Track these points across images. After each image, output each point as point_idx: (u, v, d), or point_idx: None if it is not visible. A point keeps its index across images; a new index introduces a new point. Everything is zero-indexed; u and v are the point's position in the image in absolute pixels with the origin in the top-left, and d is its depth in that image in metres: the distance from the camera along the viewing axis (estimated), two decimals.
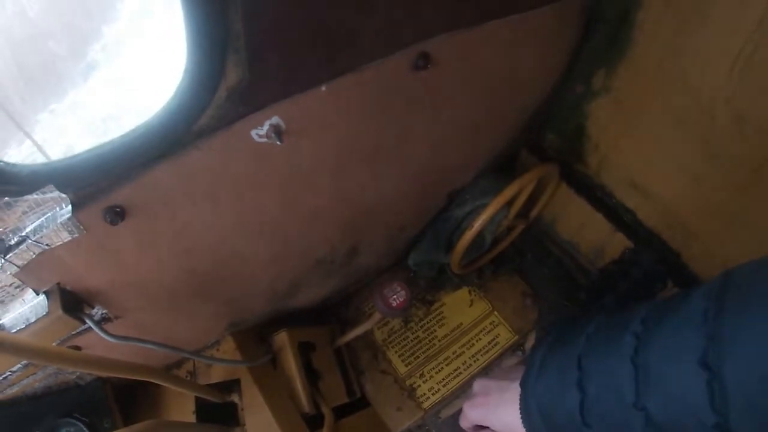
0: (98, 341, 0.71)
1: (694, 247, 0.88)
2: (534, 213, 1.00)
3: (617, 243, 0.97)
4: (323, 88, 0.59)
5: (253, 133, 0.58)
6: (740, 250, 0.80)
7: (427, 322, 1.04)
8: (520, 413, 0.49)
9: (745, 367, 0.32)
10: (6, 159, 0.48)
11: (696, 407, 0.34)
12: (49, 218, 0.53)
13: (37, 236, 0.53)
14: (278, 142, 0.58)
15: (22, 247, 0.53)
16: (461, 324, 1.03)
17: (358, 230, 0.85)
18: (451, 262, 0.92)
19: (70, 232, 0.54)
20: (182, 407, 0.87)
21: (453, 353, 1.01)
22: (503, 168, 0.99)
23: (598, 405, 0.41)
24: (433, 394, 0.98)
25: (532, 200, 0.98)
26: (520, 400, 0.49)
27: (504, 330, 1.02)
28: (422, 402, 0.98)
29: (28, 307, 0.62)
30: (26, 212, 0.51)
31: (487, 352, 1.00)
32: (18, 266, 0.55)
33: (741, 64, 0.66)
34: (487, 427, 0.56)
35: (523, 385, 0.49)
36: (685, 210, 0.87)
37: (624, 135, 0.90)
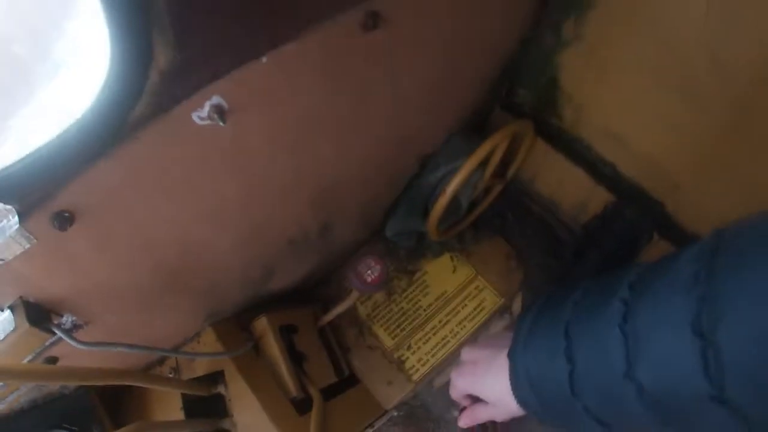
0: (75, 349, 0.69)
1: (677, 196, 0.86)
2: (511, 172, 0.97)
3: (599, 197, 0.95)
4: (264, 60, 0.54)
5: (194, 116, 0.54)
6: (724, 196, 0.78)
7: (411, 293, 1.02)
8: (510, 383, 0.48)
9: (740, 329, 0.30)
10: None
11: (690, 376, 0.32)
12: None
13: None
14: (221, 123, 0.54)
15: None
16: (445, 291, 1.02)
17: (328, 206, 0.81)
18: (429, 227, 0.90)
19: (21, 244, 0.51)
20: (170, 404, 0.86)
21: (439, 322, 1.00)
22: (476, 128, 0.95)
23: (587, 375, 0.40)
24: (422, 366, 0.98)
25: (508, 159, 0.95)
26: (509, 370, 0.48)
27: (490, 294, 1.01)
28: (412, 374, 0.97)
29: None
30: None
31: (474, 317, 0.99)
32: None
33: (716, 7, 0.62)
34: (477, 396, 0.55)
35: (510, 355, 0.48)
36: (666, 159, 0.85)
37: (598, 85, 0.86)
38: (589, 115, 0.90)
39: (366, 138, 0.75)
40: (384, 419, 0.93)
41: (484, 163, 0.86)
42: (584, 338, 0.41)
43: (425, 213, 0.92)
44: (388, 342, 1.00)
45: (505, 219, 1.05)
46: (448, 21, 0.69)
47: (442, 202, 0.84)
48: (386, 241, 1.01)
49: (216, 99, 0.54)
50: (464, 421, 0.58)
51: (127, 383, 0.69)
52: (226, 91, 0.54)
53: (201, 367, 0.87)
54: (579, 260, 0.96)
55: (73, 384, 0.65)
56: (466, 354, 0.57)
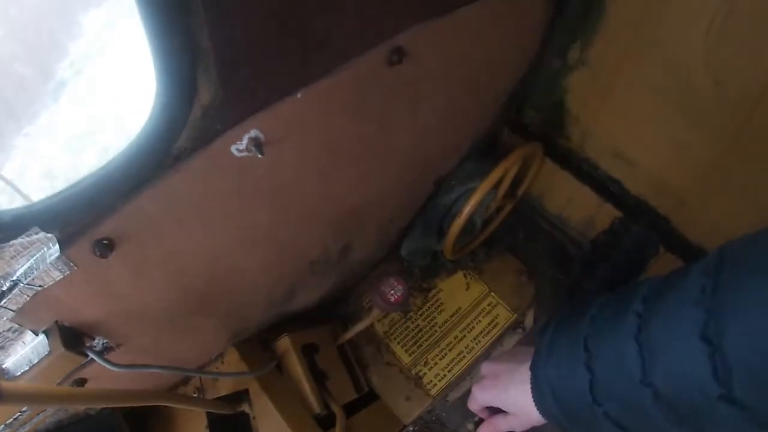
0: (104, 370, 0.71)
1: (682, 211, 0.90)
2: (521, 191, 1.01)
3: (606, 214, 0.98)
4: (299, 95, 0.58)
5: (233, 148, 0.57)
6: (727, 211, 0.82)
7: (426, 310, 1.05)
8: (532, 394, 0.50)
9: (743, 339, 0.33)
10: None
11: (700, 380, 0.35)
12: (38, 259, 0.52)
13: (29, 279, 0.53)
14: (259, 155, 0.57)
15: (15, 291, 0.53)
16: (460, 308, 1.04)
17: (350, 228, 0.84)
18: (444, 250, 0.93)
19: (61, 271, 0.53)
20: (195, 423, 0.88)
21: (455, 338, 1.02)
22: (486, 149, 0.99)
23: (606, 384, 0.43)
24: (439, 381, 1.00)
25: (518, 179, 0.98)
26: (531, 381, 0.50)
27: (502, 310, 1.03)
28: (430, 389, 1.00)
29: (29, 348, 0.61)
30: (14, 256, 0.51)
31: (488, 333, 1.02)
32: (13, 311, 0.54)
33: (717, 27, 0.66)
34: (497, 408, 0.57)
35: (533, 367, 0.51)
36: (670, 176, 0.88)
37: (604, 106, 0.90)
38: (595, 135, 0.94)
39: (387, 164, 0.78)
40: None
41: (496, 185, 0.89)
42: (602, 350, 0.44)
43: (440, 232, 0.96)
44: (406, 358, 1.02)
45: (516, 236, 1.09)
46: (465, 53, 0.73)
47: (459, 222, 0.87)
48: (401, 260, 1.04)
49: (254, 132, 0.57)
50: None
51: (160, 404, 0.71)
52: (264, 125, 0.57)
53: (225, 387, 0.89)
54: (588, 274, 0.99)
55: (109, 406, 0.67)
56: (486, 368, 0.59)
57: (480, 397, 0.58)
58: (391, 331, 1.04)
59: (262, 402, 0.85)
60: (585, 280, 0.99)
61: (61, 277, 0.53)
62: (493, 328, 1.02)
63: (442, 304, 1.05)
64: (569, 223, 1.05)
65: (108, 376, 0.74)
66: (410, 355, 1.02)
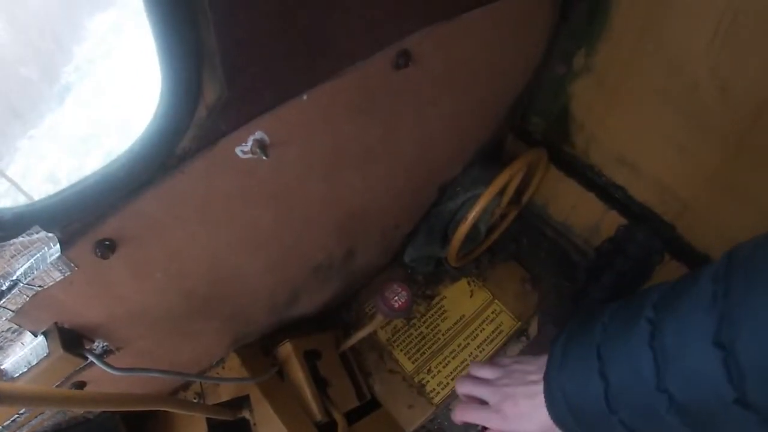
0: (104, 374, 0.70)
1: (687, 218, 0.89)
2: (526, 198, 1.00)
3: (611, 221, 0.98)
4: (304, 97, 0.58)
5: (238, 150, 0.57)
6: (733, 217, 0.81)
7: (430, 317, 1.04)
8: (546, 403, 0.50)
9: (756, 343, 0.33)
10: None
11: (715, 385, 0.35)
12: (38, 259, 0.51)
13: (29, 279, 0.52)
14: (264, 157, 0.57)
15: (15, 291, 0.52)
16: (463, 316, 1.03)
17: (353, 233, 0.84)
18: (448, 257, 0.92)
19: (61, 271, 0.53)
20: (195, 429, 0.87)
21: (458, 346, 1.01)
22: (491, 155, 0.99)
23: (621, 391, 0.43)
24: (442, 389, 0.98)
25: (522, 185, 0.98)
26: (545, 391, 0.50)
27: (506, 317, 1.02)
28: (433, 397, 0.98)
29: (27, 349, 0.60)
30: (14, 255, 0.50)
31: (492, 341, 1.00)
32: (12, 311, 0.54)
33: (722, 33, 0.65)
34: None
35: (546, 377, 0.50)
36: (675, 182, 0.88)
37: (609, 113, 0.90)
38: (600, 141, 0.93)
39: (392, 168, 0.78)
40: None
41: (501, 191, 0.89)
42: (616, 357, 0.44)
43: (444, 239, 0.95)
44: (409, 366, 1.00)
45: (520, 243, 1.08)
46: (470, 58, 0.73)
47: (463, 229, 0.86)
48: (405, 267, 1.03)
49: (259, 134, 0.57)
50: None
51: (160, 408, 0.70)
52: (268, 127, 0.57)
53: (226, 392, 0.87)
54: (593, 281, 0.98)
55: (109, 410, 0.66)
56: (481, 370, 0.58)
57: (473, 388, 0.57)
58: (394, 338, 1.03)
59: (263, 408, 0.84)
60: (590, 288, 0.97)
61: (62, 277, 0.53)
62: (497, 335, 1.01)
63: (445, 311, 1.04)
64: (574, 230, 1.04)
65: (108, 379, 0.73)
66: (413, 363, 1.00)
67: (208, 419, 0.87)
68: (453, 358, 1.00)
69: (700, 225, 0.88)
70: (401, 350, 1.02)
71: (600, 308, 0.50)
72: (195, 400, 0.90)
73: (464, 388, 0.59)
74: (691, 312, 0.38)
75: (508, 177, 0.84)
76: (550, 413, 0.50)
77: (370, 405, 0.97)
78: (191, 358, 0.84)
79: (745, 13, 0.62)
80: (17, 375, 0.62)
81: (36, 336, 0.59)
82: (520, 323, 1.02)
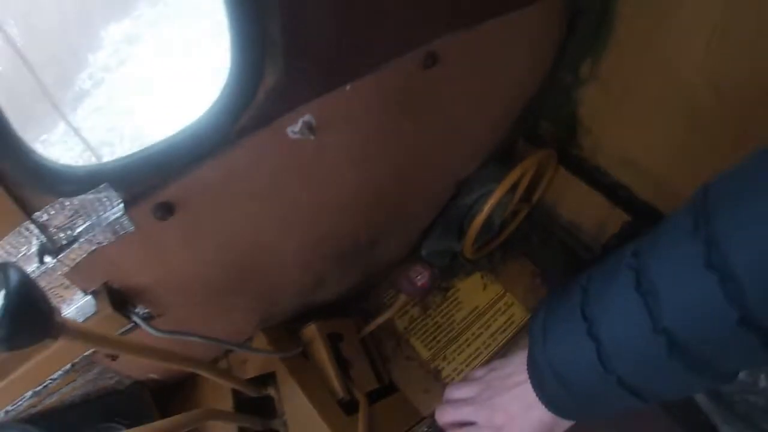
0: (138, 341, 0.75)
1: None
2: (536, 196, 1.07)
3: (617, 218, 1.04)
4: (348, 88, 0.65)
5: (289, 130, 0.64)
6: None
7: (445, 308, 1.09)
8: (532, 384, 0.48)
9: (749, 256, 0.33)
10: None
11: (715, 308, 0.34)
12: (101, 217, 0.56)
13: (89, 235, 0.56)
14: (312, 137, 0.65)
15: (74, 246, 0.56)
16: (477, 307, 1.09)
17: (379, 223, 0.90)
18: (464, 247, 0.98)
19: (120, 231, 0.57)
20: (221, 404, 0.91)
21: (472, 334, 1.06)
22: (503, 157, 1.06)
23: (616, 346, 0.41)
24: (457, 375, 1.03)
25: (533, 185, 1.05)
26: (529, 370, 0.48)
27: (518, 309, 1.08)
28: (448, 383, 1.03)
29: (74, 308, 0.64)
30: (78, 212, 0.54)
31: (504, 330, 1.06)
32: (68, 266, 0.57)
33: (716, 39, 0.73)
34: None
35: (530, 355, 0.48)
36: (676, 180, 0.94)
37: (614, 117, 0.98)
38: (606, 144, 1.01)
39: (417, 161, 0.85)
40: (422, 424, 0.97)
41: (514, 187, 0.96)
42: (603, 313, 0.42)
43: (460, 233, 1.01)
44: (425, 353, 1.06)
45: (530, 241, 1.14)
46: (489, 63, 0.81)
47: (479, 221, 0.93)
48: (422, 260, 1.09)
49: (308, 117, 0.65)
50: None
51: (198, 371, 0.74)
52: (316, 111, 0.65)
53: (252, 370, 0.92)
54: None
55: (156, 361, 0.67)
56: (457, 392, 0.55)
57: (455, 413, 0.53)
58: (411, 327, 1.08)
59: (289, 385, 0.88)
60: None
61: (120, 237, 0.57)
62: (509, 326, 1.06)
63: (460, 302, 1.10)
64: (581, 228, 1.11)
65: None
66: (429, 350, 1.06)
67: (234, 397, 0.91)
68: (467, 346, 1.05)
69: None
70: (417, 338, 1.07)
71: (575, 277, 0.47)
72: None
73: (446, 417, 0.54)
74: (674, 245, 0.37)
75: (521, 173, 0.91)
76: (541, 399, 0.47)
77: (388, 389, 1.02)
78: (221, 333, 0.89)
79: (734, 24, 0.71)
80: None
81: (85, 294, 0.62)
82: (531, 315, 1.07)
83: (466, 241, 0.96)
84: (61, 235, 0.54)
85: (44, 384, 0.72)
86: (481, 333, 1.06)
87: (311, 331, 0.94)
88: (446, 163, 0.92)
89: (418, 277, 0.81)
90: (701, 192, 0.38)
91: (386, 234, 0.95)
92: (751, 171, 0.36)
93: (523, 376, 0.49)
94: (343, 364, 0.95)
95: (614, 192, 1.04)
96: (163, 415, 0.92)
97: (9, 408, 0.72)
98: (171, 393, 0.99)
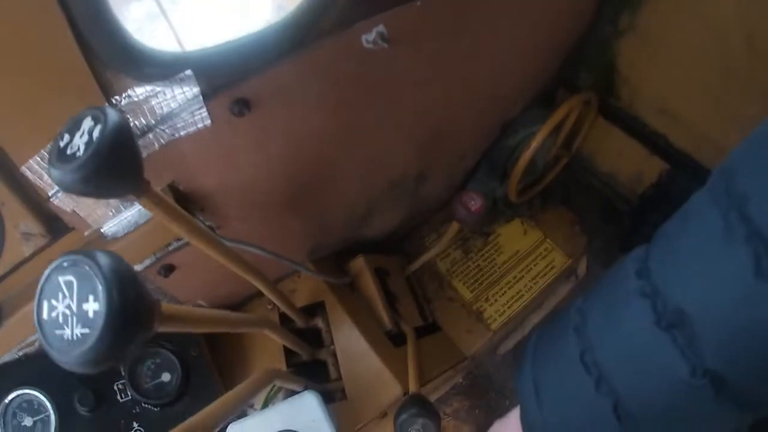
0: (194, 257, 0.75)
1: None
2: (576, 145, 1.10)
3: (654, 168, 1.07)
4: (418, 3, 0.69)
5: (363, 38, 0.67)
6: None
7: (486, 252, 1.11)
8: (521, 407, 0.47)
9: (691, 293, 0.33)
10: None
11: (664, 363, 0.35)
12: (181, 106, 0.56)
13: (165, 125, 0.56)
14: (385, 45, 0.68)
15: (149, 136, 0.56)
16: (518, 251, 1.11)
17: (429, 154, 0.93)
18: (508, 188, 1.01)
19: (198, 123, 0.58)
20: (270, 356, 0.92)
21: (513, 278, 1.08)
22: (545, 105, 1.10)
23: (609, 351, 0.39)
24: (499, 316, 1.04)
25: (573, 134, 1.08)
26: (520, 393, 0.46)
27: (558, 255, 1.10)
28: (490, 324, 1.04)
29: (136, 210, 0.65)
30: (158, 99, 0.54)
31: (545, 275, 1.08)
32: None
33: None
34: None
35: (524, 420, 0.46)
36: (712, 131, 0.97)
37: (650, 68, 1.01)
38: (643, 94, 1.04)
39: (468, 90, 0.89)
40: (465, 364, 0.98)
41: (557, 130, 0.99)
42: (599, 324, 0.40)
43: (503, 175, 1.04)
44: (467, 295, 1.07)
45: (569, 191, 1.17)
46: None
47: (524, 159, 0.96)
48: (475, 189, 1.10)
49: (381, 27, 0.68)
50: None
51: (257, 284, 0.73)
52: (389, 23, 0.68)
53: (301, 300, 0.94)
54: (640, 224, 1.06)
55: (215, 265, 0.64)
56: None
57: None
58: (453, 269, 1.10)
59: (338, 314, 0.90)
60: (640, 227, 1.05)
61: (196, 129, 0.58)
62: (549, 270, 1.08)
63: (500, 246, 1.12)
64: (618, 179, 1.13)
65: (195, 266, 0.79)
66: (471, 292, 1.07)
67: (285, 352, 0.90)
68: (509, 288, 1.07)
69: None
70: (460, 280, 1.08)
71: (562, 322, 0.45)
72: (270, 307, 0.95)
73: None
74: (700, 241, 0.34)
75: (566, 111, 0.95)
76: (523, 416, 0.47)
77: (431, 327, 1.03)
78: (275, 261, 0.91)
79: None
80: (122, 235, 0.66)
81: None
82: (571, 261, 1.09)
83: (511, 182, 0.99)
84: (137, 123, 0.55)
85: None
86: (522, 276, 1.08)
87: (359, 263, 0.96)
88: (493, 102, 0.96)
89: (472, 203, 0.83)
90: (720, 179, 0.35)
91: (434, 170, 0.98)
92: (680, 229, 0.37)
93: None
94: (390, 298, 0.97)
95: (652, 141, 1.06)
96: (208, 339, 0.92)
97: None
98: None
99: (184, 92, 0.56)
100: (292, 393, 0.80)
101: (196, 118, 0.58)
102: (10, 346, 0.78)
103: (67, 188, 0.39)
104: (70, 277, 0.32)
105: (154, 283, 0.81)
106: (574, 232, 1.12)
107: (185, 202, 0.68)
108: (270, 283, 0.80)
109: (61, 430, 0.81)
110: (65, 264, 0.32)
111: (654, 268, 0.37)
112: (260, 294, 0.97)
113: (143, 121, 0.55)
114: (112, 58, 0.50)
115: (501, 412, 0.52)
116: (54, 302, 0.32)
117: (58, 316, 0.32)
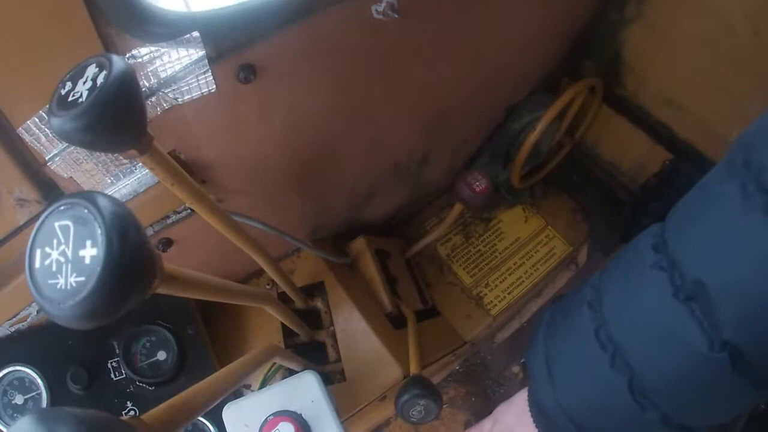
0: (193, 232, 0.73)
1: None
2: (579, 132, 1.10)
3: (657, 157, 1.07)
4: None
5: (373, 8, 0.66)
6: None
7: (487, 237, 1.11)
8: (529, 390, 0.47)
9: (713, 267, 0.33)
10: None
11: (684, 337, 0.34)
12: (185, 69, 0.53)
13: (168, 89, 0.54)
14: (396, 16, 0.66)
15: (152, 99, 0.54)
16: (519, 237, 1.10)
17: (433, 136, 0.92)
18: (511, 173, 1.00)
19: (202, 88, 0.56)
20: (268, 337, 0.90)
21: (514, 264, 1.07)
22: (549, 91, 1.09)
23: (625, 327, 0.38)
24: (499, 302, 1.04)
25: (577, 122, 1.08)
26: (535, 421, 0.46)
27: (559, 242, 1.09)
28: (490, 309, 1.04)
29: (139, 176, 0.62)
30: (162, 60, 0.52)
31: (545, 262, 1.07)
32: None
33: None
34: None
35: (534, 397, 0.46)
36: (716, 120, 0.97)
37: (656, 57, 1.01)
38: (648, 83, 1.04)
39: (475, 71, 0.87)
40: (464, 349, 0.98)
41: (561, 116, 0.99)
42: (615, 300, 0.40)
43: (506, 160, 1.03)
44: (467, 280, 1.06)
45: (571, 179, 1.17)
46: None
47: (528, 144, 0.95)
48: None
49: None
50: None
51: (258, 260, 0.72)
52: None
53: (300, 279, 0.92)
54: (641, 213, 1.06)
55: (217, 234, 0.62)
56: None
57: None
58: (453, 254, 1.09)
59: (338, 294, 0.89)
60: (640, 217, 1.05)
61: (200, 95, 0.56)
62: (550, 257, 1.07)
63: (502, 233, 1.11)
64: (621, 168, 1.13)
65: (193, 242, 0.77)
66: (471, 277, 1.06)
67: (284, 333, 0.89)
68: (509, 274, 1.06)
69: None
70: (460, 265, 1.08)
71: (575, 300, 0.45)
72: (268, 286, 0.94)
73: None
74: (718, 215, 0.34)
75: (571, 96, 0.94)
76: (531, 402, 0.47)
77: (431, 311, 1.02)
78: (274, 239, 0.90)
79: None
80: (127, 200, 0.63)
81: None
82: (572, 248, 1.09)
83: (514, 166, 0.98)
84: (144, 82, 0.53)
85: None
86: (523, 263, 1.07)
87: (360, 243, 0.95)
88: (499, 84, 0.95)
89: (477, 183, 0.82)
90: (739, 153, 0.34)
91: (437, 153, 0.97)
92: (698, 201, 0.37)
93: (529, 427, 0.48)
94: (390, 281, 0.95)
95: (656, 132, 1.06)
96: (206, 320, 0.90)
97: None
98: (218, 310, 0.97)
99: (189, 55, 0.53)
100: (289, 375, 0.78)
101: (200, 82, 0.56)
102: (1, 319, 0.75)
103: (67, 137, 0.37)
104: (67, 222, 0.29)
105: None
106: (575, 220, 1.12)
107: (187, 172, 0.66)
108: (271, 258, 0.78)
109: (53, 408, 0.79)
110: (62, 207, 0.29)
111: (671, 241, 0.37)
112: (258, 274, 0.96)
113: (146, 83, 0.53)
114: (117, 15, 0.48)
115: (497, 400, 0.51)
116: (48, 249, 0.29)
117: (51, 263, 0.29)
